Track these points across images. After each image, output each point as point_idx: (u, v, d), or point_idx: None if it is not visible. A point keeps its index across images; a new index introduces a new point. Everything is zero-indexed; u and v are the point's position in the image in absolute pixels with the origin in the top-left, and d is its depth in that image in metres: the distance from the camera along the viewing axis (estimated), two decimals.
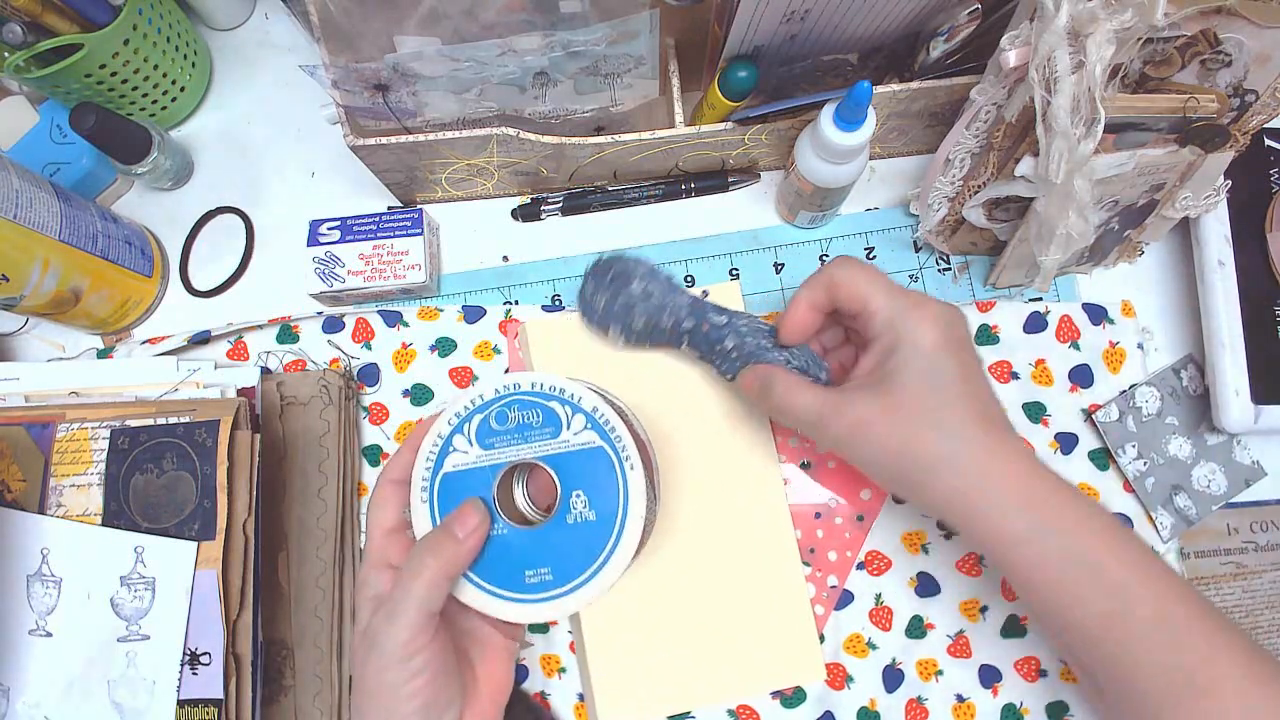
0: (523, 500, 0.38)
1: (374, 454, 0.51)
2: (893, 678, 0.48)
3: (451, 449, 0.37)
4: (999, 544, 0.35)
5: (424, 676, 0.33)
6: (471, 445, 0.37)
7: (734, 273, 0.54)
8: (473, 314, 0.52)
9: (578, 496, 0.36)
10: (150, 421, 0.42)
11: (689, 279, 0.54)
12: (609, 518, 0.36)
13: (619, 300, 0.45)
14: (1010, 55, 0.40)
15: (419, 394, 0.51)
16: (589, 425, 0.36)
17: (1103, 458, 0.51)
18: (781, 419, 0.41)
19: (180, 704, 0.40)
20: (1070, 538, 0.34)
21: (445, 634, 0.35)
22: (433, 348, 0.52)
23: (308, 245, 0.51)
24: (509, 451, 0.36)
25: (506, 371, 0.51)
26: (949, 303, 0.38)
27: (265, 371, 0.49)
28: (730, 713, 0.48)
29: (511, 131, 0.45)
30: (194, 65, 0.55)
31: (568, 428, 0.36)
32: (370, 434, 0.51)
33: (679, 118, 0.48)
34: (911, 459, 0.35)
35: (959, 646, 0.48)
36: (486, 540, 0.35)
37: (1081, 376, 0.51)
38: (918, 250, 0.54)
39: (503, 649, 0.39)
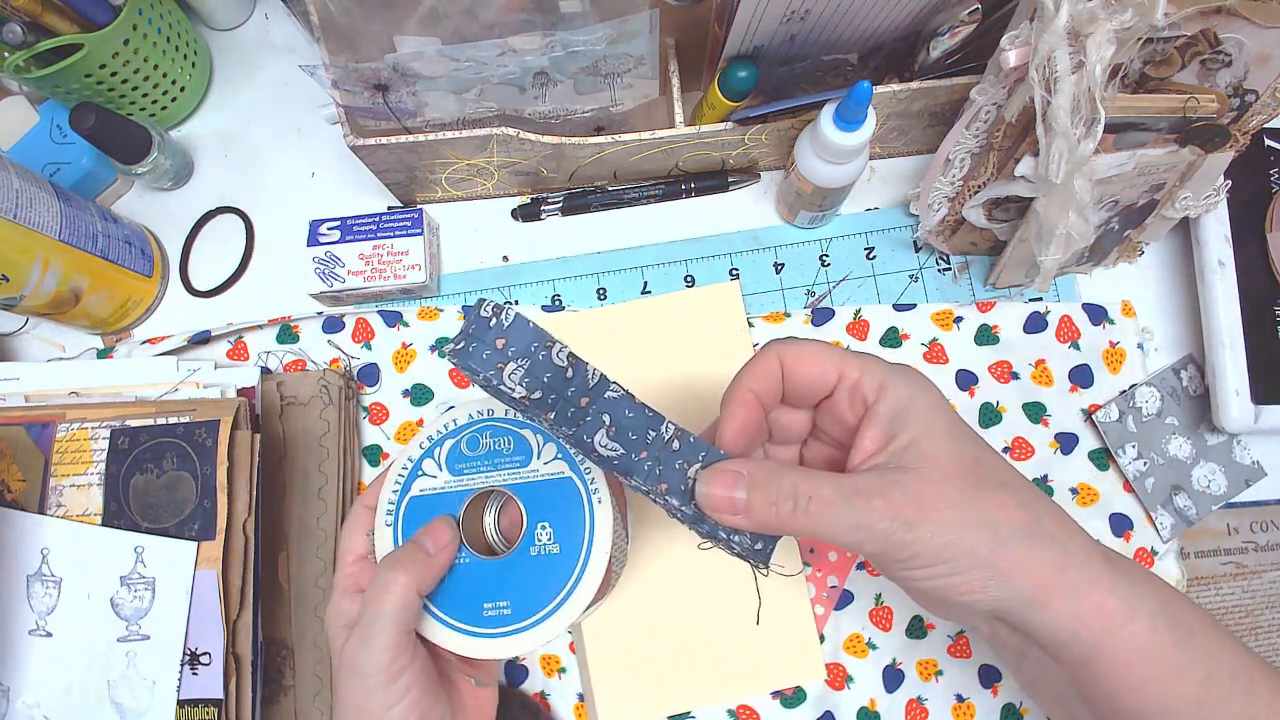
0: (492, 530, 0.37)
1: (374, 454, 0.51)
2: (893, 678, 0.48)
3: (420, 473, 0.36)
4: (1100, 609, 0.28)
5: (409, 699, 0.31)
6: (441, 470, 0.36)
7: (734, 273, 0.54)
8: None
9: (543, 528, 0.34)
10: (150, 421, 0.42)
11: (689, 279, 0.54)
12: (573, 552, 0.33)
13: (530, 329, 0.30)
14: (1010, 55, 0.40)
15: (419, 394, 0.51)
16: (559, 455, 0.35)
17: (1103, 458, 0.51)
18: (787, 527, 0.28)
19: (180, 704, 0.40)
20: (1166, 598, 0.29)
21: (425, 652, 0.33)
22: (433, 348, 0.52)
23: (308, 245, 0.51)
24: (477, 478, 0.35)
25: None
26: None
27: (265, 371, 0.49)
28: (730, 713, 0.48)
29: (511, 131, 0.45)
30: (194, 65, 0.55)
31: (538, 456, 0.35)
32: (370, 434, 0.51)
33: (679, 118, 0.48)
34: (990, 528, 0.27)
35: (959, 646, 0.48)
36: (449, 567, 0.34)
37: (1081, 376, 0.51)
38: (918, 250, 0.54)
39: (486, 665, 0.37)
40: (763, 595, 0.47)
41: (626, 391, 0.31)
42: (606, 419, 0.30)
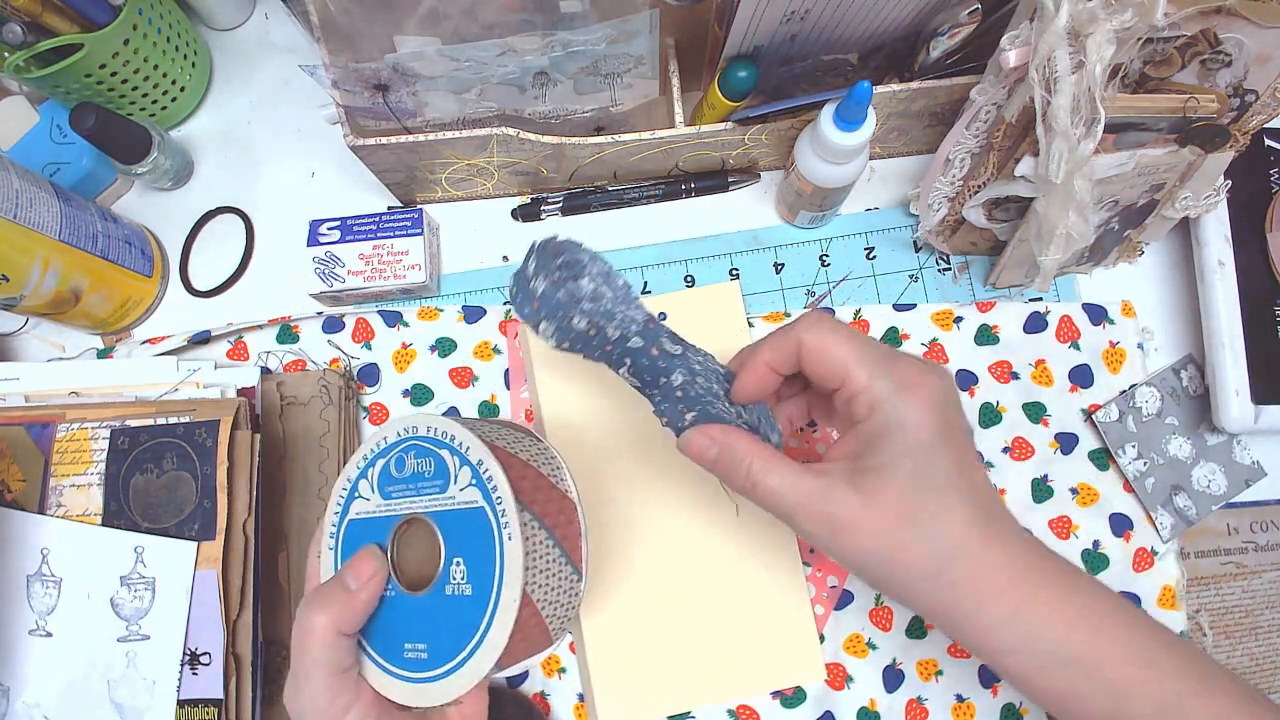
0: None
1: None
2: (893, 678, 0.48)
3: (357, 494, 0.34)
4: (991, 653, 0.31)
5: None
6: (373, 492, 0.33)
7: (734, 273, 0.54)
8: (473, 314, 0.52)
9: (457, 565, 0.30)
10: (150, 421, 0.42)
11: (689, 279, 0.54)
12: (483, 596, 0.30)
13: (562, 291, 0.35)
14: (1010, 55, 0.40)
15: (419, 394, 0.51)
16: (473, 481, 0.31)
17: (1103, 458, 0.51)
18: (742, 494, 0.33)
19: (180, 704, 0.40)
20: (1063, 641, 0.31)
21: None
22: (433, 348, 0.52)
23: (308, 245, 0.51)
24: (404, 503, 0.32)
25: (505, 373, 0.51)
26: (936, 369, 0.32)
27: (265, 371, 0.49)
28: (730, 713, 0.48)
29: (511, 131, 0.45)
30: (194, 65, 0.55)
31: (454, 482, 0.31)
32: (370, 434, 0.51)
33: (679, 118, 0.48)
34: (900, 568, 0.31)
35: (959, 646, 0.48)
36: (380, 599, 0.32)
37: (1081, 376, 0.51)
38: (918, 250, 0.54)
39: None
40: (763, 594, 0.47)
41: (667, 344, 0.36)
42: (644, 360, 0.35)
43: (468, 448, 0.31)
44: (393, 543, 0.33)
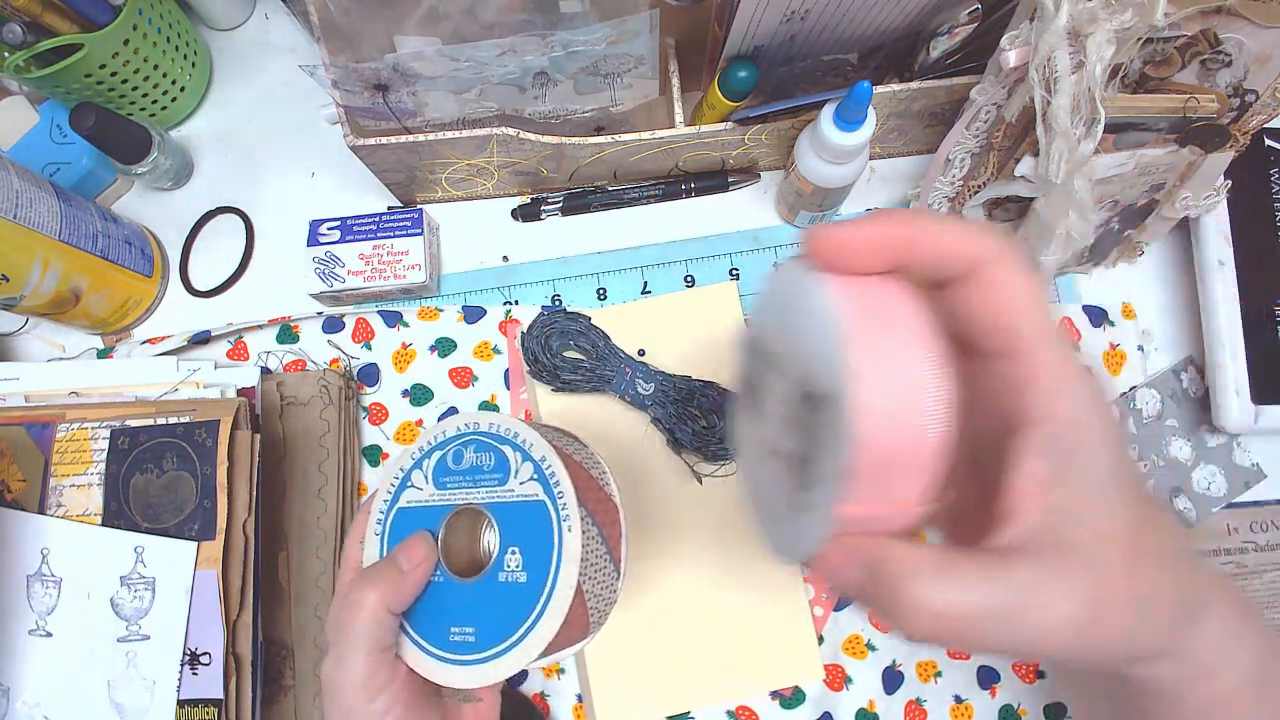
0: (489, 550, 0.36)
1: (374, 454, 0.51)
2: (892, 679, 0.48)
3: (409, 484, 0.35)
4: None
5: (391, 716, 0.30)
6: (427, 483, 0.35)
7: (734, 273, 0.54)
8: (473, 314, 0.52)
9: (513, 553, 0.32)
10: (150, 421, 0.42)
11: (689, 279, 0.54)
12: (538, 583, 0.31)
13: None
14: (1010, 55, 0.40)
15: (419, 394, 0.51)
16: (535, 475, 0.33)
17: None
18: (907, 624, 0.20)
19: (180, 704, 0.40)
20: None
21: (408, 669, 0.32)
22: (433, 348, 0.52)
23: (308, 245, 0.51)
24: (459, 494, 0.34)
25: (505, 374, 0.51)
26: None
27: (265, 371, 0.49)
28: (729, 713, 0.48)
29: (511, 131, 0.45)
30: (194, 65, 0.55)
31: (515, 475, 0.33)
32: (370, 434, 0.51)
33: (679, 118, 0.48)
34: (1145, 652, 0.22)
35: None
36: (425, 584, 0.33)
37: None
38: None
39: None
40: (761, 595, 0.47)
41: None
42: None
43: (531, 444, 0.33)
44: (442, 530, 0.34)
